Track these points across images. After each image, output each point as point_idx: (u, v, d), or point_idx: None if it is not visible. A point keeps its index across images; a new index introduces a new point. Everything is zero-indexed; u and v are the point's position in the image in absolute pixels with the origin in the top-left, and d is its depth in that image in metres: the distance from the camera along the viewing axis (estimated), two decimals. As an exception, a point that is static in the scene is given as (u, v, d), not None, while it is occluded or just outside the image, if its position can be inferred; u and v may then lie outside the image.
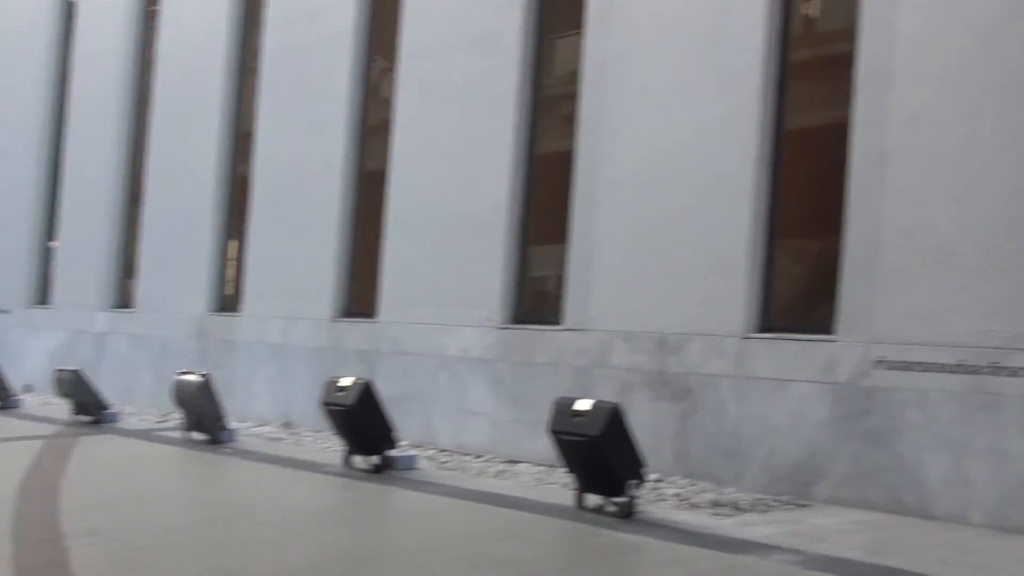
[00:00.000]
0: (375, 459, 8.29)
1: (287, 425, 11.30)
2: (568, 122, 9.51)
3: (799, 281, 8.23)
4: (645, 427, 8.26)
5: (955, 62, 7.06)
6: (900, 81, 7.28)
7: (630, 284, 8.75)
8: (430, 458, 9.20)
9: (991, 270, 6.79)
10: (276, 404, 11.67)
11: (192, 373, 10.18)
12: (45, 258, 16.28)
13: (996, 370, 6.68)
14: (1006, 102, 6.81)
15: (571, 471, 7.18)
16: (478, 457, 9.37)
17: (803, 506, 7.29)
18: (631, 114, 8.88)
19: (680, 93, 8.57)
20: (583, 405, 7.05)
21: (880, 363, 7.18)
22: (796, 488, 7.51)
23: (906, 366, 7.06)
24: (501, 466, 8.95)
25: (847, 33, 7.68)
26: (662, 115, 8.67)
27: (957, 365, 6.84)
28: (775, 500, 7.42)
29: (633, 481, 6.84)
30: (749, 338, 7.96)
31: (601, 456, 6.88)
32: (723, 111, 8.26)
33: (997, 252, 6.77)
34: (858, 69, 7.50)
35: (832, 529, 6.55)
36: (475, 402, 9.72)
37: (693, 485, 7.87)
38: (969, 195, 6.92)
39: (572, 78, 9.51)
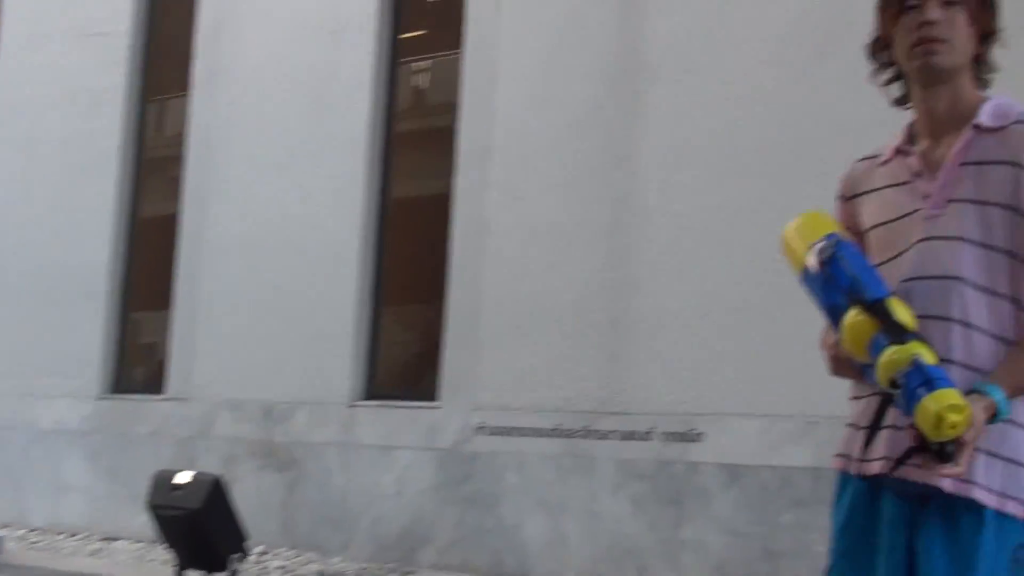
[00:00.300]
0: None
1: None
2: (174, 184, 9.24)
3: (405, 348, 8.31)
4: (251, 498, 8.05)
5: (550, 140, 7.34)
6: (499, 155, 7.50)
7: (236, 352, 8.53)
8: (20, 538, 8.59)
9: (583, 337, 7.05)
10: None
11: None
12: None
13: (588, 433, 6.91)
14: (595, 177, 7.13)
15: (171, 547, 6.85)
16: (73, 535, 8.81)
17: (408, 573, 7.27)
18: (237, 178, 8.72)
19: (287, 159, 8.48)
20: (183, 478, 6.76)
21: (481, 428, 7.29)
22: (402, 555, 7.49)
23: (506, 431, 7.20)
24: (98, 544, 8.45)
25: (450, 107, 7.85)
26: (269, 180, 8.55)
27: (553, 429, 7.03)
28: (380, 568, 7.35)
29: (236, 555, 6.60)
30: (355, 406, 7.91)
31: (202, 530, 6.60)
32: (330, 178, 8.24)
33: (589, 319, 7.04)
34: (460, 143, 7.67)
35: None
36: (71, 477, 9.15)
37: (299, 556, 7.70)
38: (563, 264, 7.17)
39: (179, 140, 9.25)
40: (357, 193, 8.12)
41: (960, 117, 2.67)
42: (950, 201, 2.58)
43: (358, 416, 7.88)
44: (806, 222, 2.69)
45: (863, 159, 2.85)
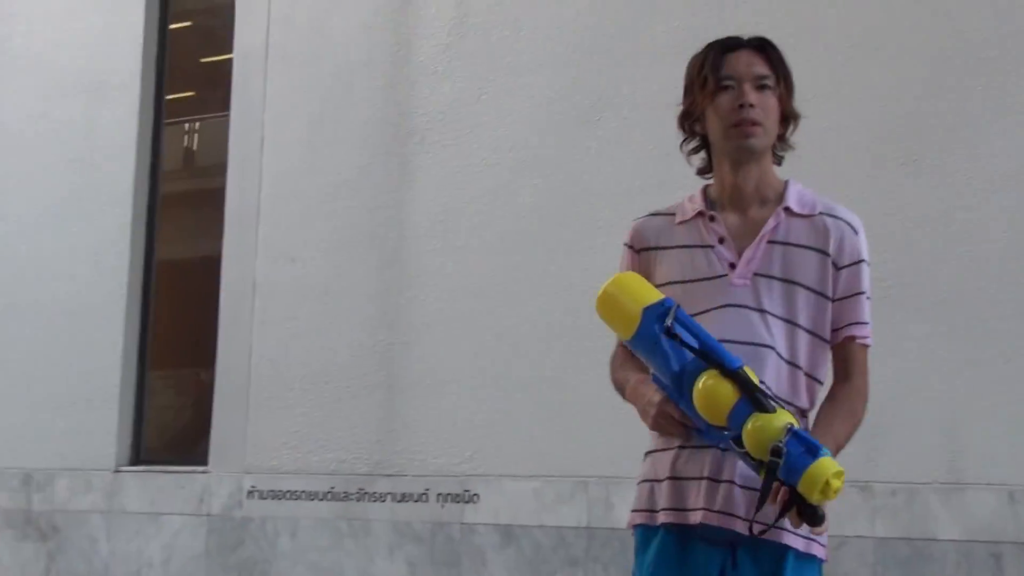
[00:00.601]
0: None
1: None
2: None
3: (173, 412, 8.14)
4: (9, 569, 7.77)
5: (319, 202, 7.34)
6: (267, 217, 7.46)
7: (-11, 417, 8.19)
8: None
9: (356, 399, 7.04)
10: None
11: None
12: None
13: (363, 496, 6.90)
14: (365, 240, 7.16)
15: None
16: None
17: (178, 642, 7.13)
18: (-4, 237, 8.41)
19: (48, 217, 8.21)
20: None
21: (252, 493, 7.19)
22: (170, 624, 7.33)
23: (278, 495, 7.11)
24: None
25: (219, 168, 7.76)
26: (30, 238, 8.26)
27: (327, 492, 6.99)
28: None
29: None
30: (120, 471, 7.68)
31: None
32: (93, 238, 8.01)
33: (361, 382, 7.04)
34: (228, 204, 7.60)
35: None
36: None
37: (61, 629, 7.46)
38: (334, 326, 7.16)
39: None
40: (122, 253, 7.92)
41: (764, 195, 2.93)
42: (756, 274, 2.83)
43: (124, 482, 7.64)
44: (630, 284, 2.80)
45: (655, 214, 3.03)
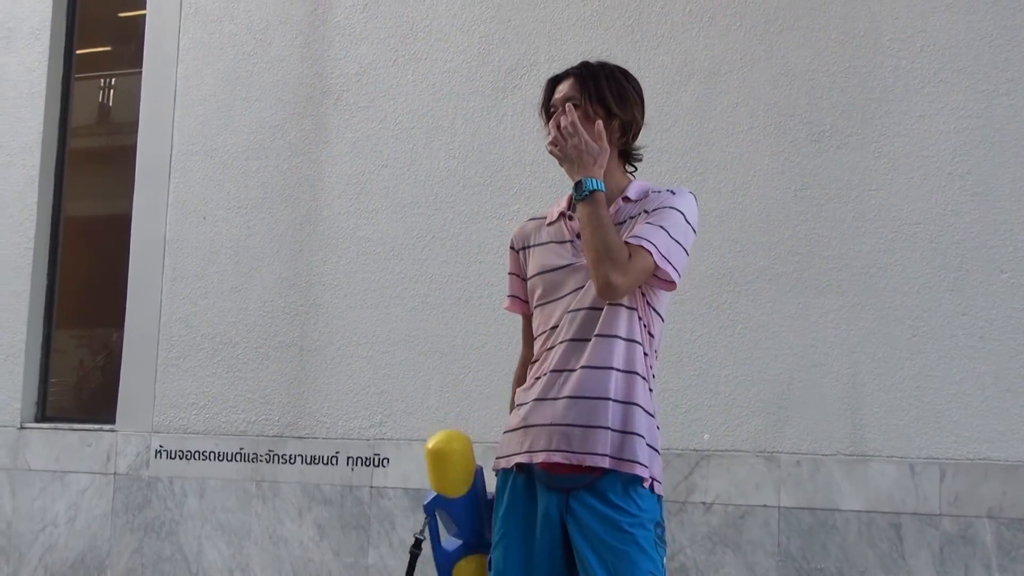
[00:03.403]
0: None
1: None
2: None
3: (81, 370, 7.93)
4: (-92, 527, 7.53)
5: (232, 160, 7.17)
6: (179, 175, 7.27)
7: None
8: None
9: (267, 360, 6.93)
10: None
11: None
12: None
13: (272, 458, 6.80)
14: (279, 200, 7.02)
15: None
16: None
17: (82, 600, 6.96)
18: None
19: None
20: None
21: (160, 452, 7.05)
22: (75, 583, 7.16)
23: (186, 455, 6.98)
24: None
25: (130, 126, 7.54)
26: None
27: (236, 454, 6.88)
28: (52, 597, 7.01)
29: None
30: (25, 427, 7.48)
31: None
32: (2, 193, 7.77)
33: (272, 343, 6.93)
34: (139, 161, 7.39)
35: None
36: None
37: (-39, 586, 7.24)
38: (246, 286, 7.03)
39: None
40: (29, 207, 7.67)
41: (610, 194, 3.26)
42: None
43: (28, 439, 7.44)
44: (465, 453, 3.47)
45: (532, 219, 3.52)
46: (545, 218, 3.43)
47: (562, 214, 3.36)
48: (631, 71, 3.43)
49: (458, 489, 3.39)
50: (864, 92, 5.85)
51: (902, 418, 5.62)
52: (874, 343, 5.70)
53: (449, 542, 3.40)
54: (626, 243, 3.10)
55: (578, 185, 3.13)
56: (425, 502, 3.45)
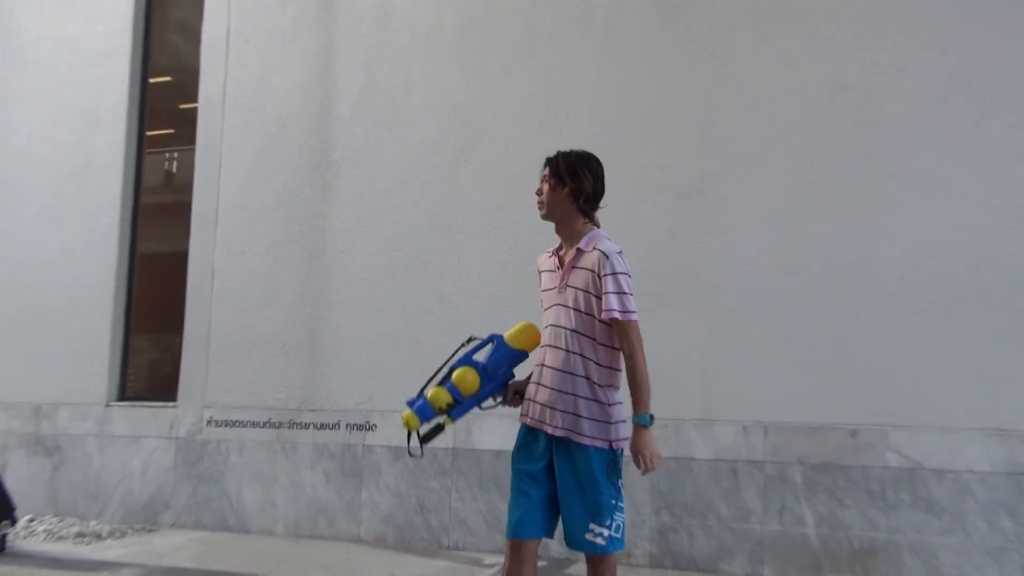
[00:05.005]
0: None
1: None
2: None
3: (152, 364, 7.86)
4: (23, 478, 7.50)
5: (262, 212, 7.22)
6: (223, 222, 7.31)
7: (8, 364, 7.85)
8: None
9: (288, 356, 6.97)
10: None
11: None
12: None
13: (292, 425, 6.84)
14: (296, 240, 7.06)
15: (-51, 517, 6.26)
16: None
17: (152, 531, 6.96)
18: (9, 232, 8.03)
19: (53, 216, 7.89)
20: (-37, 464, 6.22)
21: (210, 423, 7.07)
22: (147, 519, 7.15)
23: (229, 424, 7.01)
24: None
25: (187, 186, 7.56)
26: (37, 234, 7.93)
27: (266, 422, 6.91)
28: (130, 528, 7.00)
29: (5, 522, 6.10)
30: (111, 405, 7.47)
31: (-25, 503, 6.06)
32: (89, 234, 7.75)
33: (291, 343, 6.96)
34: (194, 212, 7.42)
35: (173, 547, 6.31)
36: None
37: (62, 522, 7.18)
38: (273, 302, 7.06)
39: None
40: (112, 247, 7.67)
41: (575, 242, 3.48)
42: (567, 286, 3.45)
43: (112, 413, 7.44)
44: (535, 340, 3.54)
45: (546, 251, 3.63)
46: (549, 252, 3.58)
47: (555, 252, 3.53)
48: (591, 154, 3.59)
49: (524, 344, 3.52)
50: (713, 163, 6.00)
51: (738, 394, 5.76)
52: (718, 341, 5.84)
53: (477, 362, 3.51)
54: (613, 319, 3.31)
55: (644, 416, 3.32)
56: (495, 336, 3.55)
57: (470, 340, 3.56)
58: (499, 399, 3.53)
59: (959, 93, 5.60)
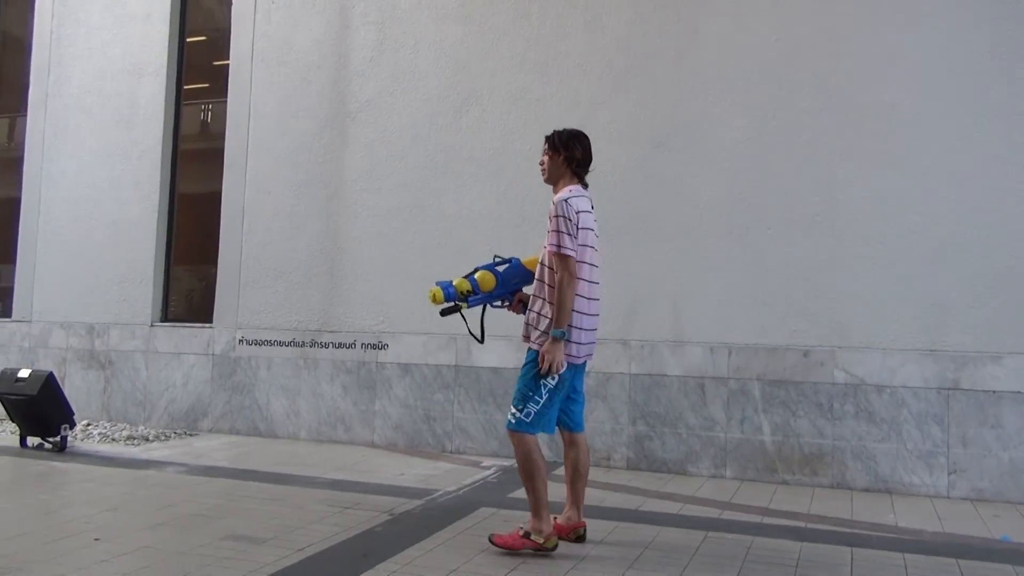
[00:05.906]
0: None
1: None
2: (12, 173, 8.12)
3: (190, 290, 7.69)
4: (79, 388, 7.37)
5: (286, 155, 6.95)
6: (251, 165, 7.06)
7: (66, 287, 7.64)
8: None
9: (310, 284, 6.77)
10: None
11: None
12: None
13: (314, 344, 6.69)
14: (317, 181, 6.83)
15: (15, 421, 6.17)
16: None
17: (192, 435, 6.84)
18: (64, 172, 7.75)
19: (102, 158, 7.61)
20: (24, 373, 6.08)
21: (242, 341, 6.92)
22: (188, 424, 7.03)
23: (259, 343, 6.86)
24: (-37, 424, 7.40)
25: (219, 135, 7.27)
26: (88, 172, 7.65)
27: (291, 341, 6.76)
28: (173, 433, 6.87)
29: (65, 425, 6.00)
30: (155, 326, 7.29)
31: (38, 409, 5.96)
32: (134, 175, 7.48)
33: (313, 272, 6.78)
34: (226, 157, 7.13)
35: (211, 448, 6.22)
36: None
37: (114, 426, 7.06)
38: (295, 236, 6.86)
39: (21, 145, 8.10)
40: (154, 187, 7.42)
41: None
42: (548, 231, 3.59)
43: (157, 332, 7.27)
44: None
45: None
46: None
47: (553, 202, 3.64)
48: (579, 129, 3.79)
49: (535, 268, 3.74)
50: (686, 116, 5.81)
51: (706, 319, 5.65)
52: (688, 272, 5.70)
53: (498, 271, 3.85)
54: (552, 253, 3.52)
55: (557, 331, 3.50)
56: (514, 258, 3.90)
57: (495, 257, 3.87)
58: (506, 303, 3.81)
59: (926, 26, 5.35)
